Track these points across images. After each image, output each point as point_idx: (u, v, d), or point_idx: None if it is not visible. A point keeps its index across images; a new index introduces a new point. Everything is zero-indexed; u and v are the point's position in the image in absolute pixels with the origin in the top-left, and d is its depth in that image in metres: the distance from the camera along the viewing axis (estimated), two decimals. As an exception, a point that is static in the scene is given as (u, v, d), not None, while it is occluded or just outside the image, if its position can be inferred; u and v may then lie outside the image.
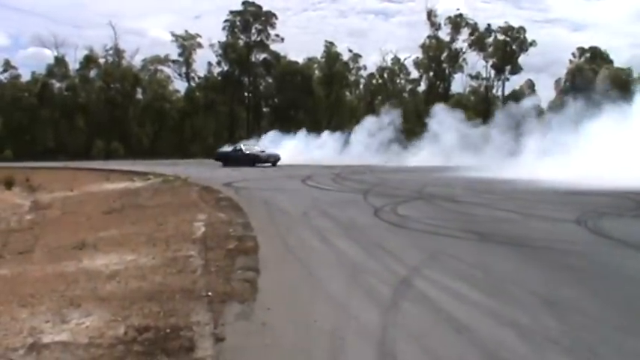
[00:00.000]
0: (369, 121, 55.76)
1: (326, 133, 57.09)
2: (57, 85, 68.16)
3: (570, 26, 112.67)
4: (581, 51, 70.90)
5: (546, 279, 7.40)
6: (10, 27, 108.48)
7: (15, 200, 22.82)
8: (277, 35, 73.80)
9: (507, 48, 72.19)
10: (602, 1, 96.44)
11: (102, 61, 69.61)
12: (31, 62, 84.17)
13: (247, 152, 42.15)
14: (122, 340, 5.28)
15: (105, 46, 69.32)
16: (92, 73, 69.15)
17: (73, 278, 7.66)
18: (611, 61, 67.85)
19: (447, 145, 47.64)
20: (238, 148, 43.46)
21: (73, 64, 68.62)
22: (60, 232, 13.51)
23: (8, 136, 61.46)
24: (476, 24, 72.43)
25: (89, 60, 68.54)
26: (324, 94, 73.73)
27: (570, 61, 70.95)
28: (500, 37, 72.63)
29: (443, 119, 50.37)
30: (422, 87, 75.84)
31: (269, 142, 50.39)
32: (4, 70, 67.45)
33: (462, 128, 49.07)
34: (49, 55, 68.30)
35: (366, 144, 53.00)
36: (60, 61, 67.55)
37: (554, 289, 6.89)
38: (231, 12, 72.98)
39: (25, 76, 67.53)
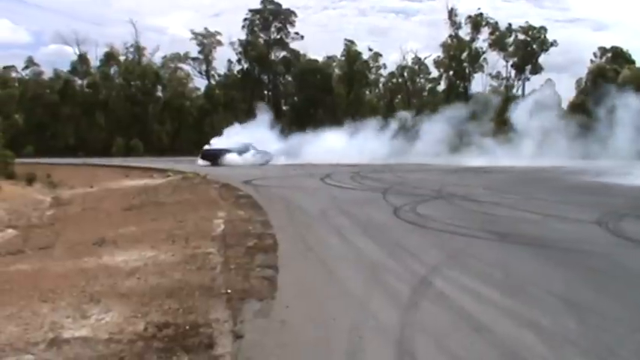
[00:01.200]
0: (453, 110, 47.82)
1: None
2: (78, 82, 68.55)
3: (592, 26, 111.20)
4: (603, 51, 70.03)
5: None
6: (31, 24, 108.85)
7: (36, 196, 22.97)
8: (297, 33, 73.46)
9: (528, 48, 71.40)
10: (624, 0, 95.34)
11: (122, 58, 69.83)
12: (52, 59, 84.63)
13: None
14: (142, 336, 5.31)
15: (125, 44, 69.49)
16: (112, 71, 69.48)
17: (93, 274, 7.71)
18: (633, 61, 66.97)
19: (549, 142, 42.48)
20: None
21: (94, 62, 68.93)
22: (80, 228, 13.59)
23: (29, 132, 61.79)
24: (496, 23, 71.63)
25: (109, 57, 68.83)
26: (344, 93, 73.49)
27: (591, 61, 70.22)
28: (521, 36, 71.79)
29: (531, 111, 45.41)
30: (441, 86, 75.34)
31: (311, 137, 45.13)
32: (26, 67, 68.02)
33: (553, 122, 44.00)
34: (69, 52, 68.71)
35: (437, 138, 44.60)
36: (82, 58, 67.93)
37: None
38: (251, 10, 72.97)
39: (46, 73, 68.06)
